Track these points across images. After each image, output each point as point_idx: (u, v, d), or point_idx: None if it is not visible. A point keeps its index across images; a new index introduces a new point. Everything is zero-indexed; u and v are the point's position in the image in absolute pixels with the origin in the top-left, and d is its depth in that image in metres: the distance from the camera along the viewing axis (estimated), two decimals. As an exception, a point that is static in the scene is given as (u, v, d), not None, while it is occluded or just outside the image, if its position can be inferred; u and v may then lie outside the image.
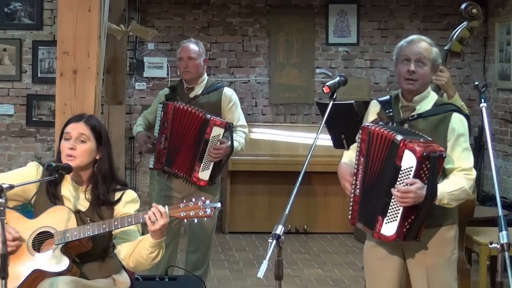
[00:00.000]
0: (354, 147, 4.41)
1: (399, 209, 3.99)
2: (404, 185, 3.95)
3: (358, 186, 4.15)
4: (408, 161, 3.96)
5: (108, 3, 5.23)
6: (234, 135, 6.10)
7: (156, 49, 10.18)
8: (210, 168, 6.00)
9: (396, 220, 4.00)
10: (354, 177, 4.18)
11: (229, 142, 6.00)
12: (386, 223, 4.02)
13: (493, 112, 9.90)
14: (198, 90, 6.21)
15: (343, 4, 10.40)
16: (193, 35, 10.16)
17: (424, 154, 3.93)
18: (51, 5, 9.89)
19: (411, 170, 3.96)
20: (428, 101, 4.29)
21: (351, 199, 4.19)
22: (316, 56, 10.46)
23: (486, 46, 10.41)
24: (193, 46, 6.20)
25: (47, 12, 9.96)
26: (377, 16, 10.46)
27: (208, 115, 5.97)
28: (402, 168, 3.98)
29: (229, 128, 6.02)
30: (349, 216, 4.20)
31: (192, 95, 6.19)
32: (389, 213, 4.01)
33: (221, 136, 5.98)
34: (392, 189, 3.97)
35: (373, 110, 4.35)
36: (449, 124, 4.20)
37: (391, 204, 4.01)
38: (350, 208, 4.20)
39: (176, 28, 10.30)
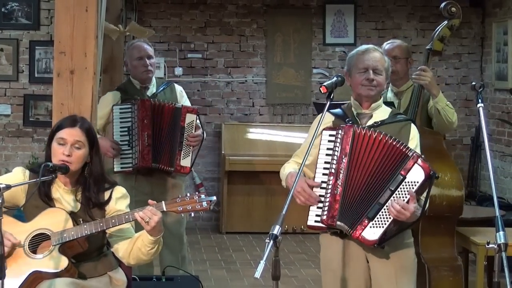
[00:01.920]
0: (298, 155, 4.40)
1: (389, 219, 4.01)
2: (403, 199, 3.96)
3: (338, 186, 4.11)
4: (415, 175, 3.99)
5: (105, 3, 5.23)
6: None
7: (154, 49, 10.16)
8: (191, 154, 6.12)
9: (382, 227, 4.02)
10: (332, 177, 4.12)
11: (201, 129, 6.19)
12: (371, 227, 4.03)
13: (490, 113, 9.91)
14: (153, 88, 6.28)
15: (340, 4, 10.41)
16: (190, 35, 10.21)
17: (431, 173, 3.99)
18: (48, 5, 9.89)
19: (415, 185, 3.99)
20: (382, 110, 4.35)
21: (328, 198, 4.11)
22: (313, 56, 10.47)
23: (484, 47, 10.41)
24: (148, 46, 6.32)
25: (44, 12, 9.96)
26: (374, 16, 10.47)
27: (178, 104, 6.14)
28: (406, 180, 4.00)
29: (198, 115, 6.17)
30: (324, 216, 4.10)
31: (149, 93, 6.25)
32: (377, 218, 4.02)
33: (194, 123, 6.11)
34: (392, 200, 3.98)
35: (326, 121, 4.30)
36: (410, 133, 4.27)
37: (382, 211, 4.02)
38: (326, 207, 4.11)
39: (173, 28, 10.30)
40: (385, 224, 4.02)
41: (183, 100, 6.37)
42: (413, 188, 3.99)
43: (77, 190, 4.21)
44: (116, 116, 6.12)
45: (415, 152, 4.05)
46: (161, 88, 6.31)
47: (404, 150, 4.03)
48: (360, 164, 4.11)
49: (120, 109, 6.12)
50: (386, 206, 4.01)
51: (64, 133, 4.15)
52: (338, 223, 4.09)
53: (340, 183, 4.11)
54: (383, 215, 4.02)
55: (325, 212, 4.11)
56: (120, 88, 6.38)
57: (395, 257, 4.21)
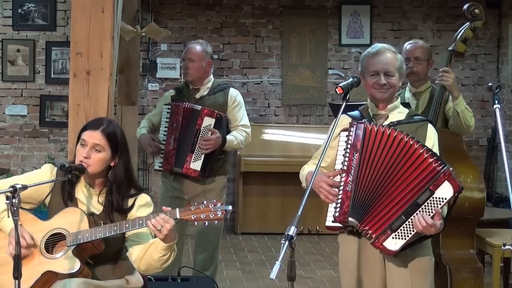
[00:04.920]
0: (316, 157, 4.36)
1: (412, 231, 3.97)
2: (428, 214, 3.91)
3: (350, 182, 4.09)
4: (444, 192, 3.93)
5: (121, 4, 5.24)
6: (235, 132, 6.17)
7: (169, 50, 10.20)
8: (201, 159, 6.04)
9: (404, 239, 3.98)
10: (344, 174, 4.10)
11: (219, 134, 6.05)
12: (393, 238, 4.00)
13: (506, 114, 9.88)
14: (204, 91, 6.23)
15: (356, 5, 10.40)
16: (206, 36, 10.20)
17: (461, 189, 3.96)
18: (64, 6, 9.93)
19: (442, 201, 3.94)
20: (400, 111, 4.30)
21: (340, 195, 4.09)
22: (329, 57, 10.46)
23: (500, 47, 10.38)
24: (197, 48, 6.22)
25: (61, 13, 9.99)
26: (390, 17, 10.46)
27: (197, 106, 6.06)
28: (434, 196, 3.94)
29: (220, 119, 6.07)
30: (337, 213, 4.07)
31: (198, 95, 6.21)
32: (400, 230, 3.98)
33: (211, 127, 6.03)
34: (418, 215, 3.93)
35: (343, 123, 4.29)
36: (426, 132, 4.22)
37: (406, 223, 3.97)
38: (339, 204, 4.08)
39: (189, 29, 10.32)
40: (408, 236, 3.98)
41: (234, 106, 6.23)
42: (440, 204, 3.94)
43: (100, 193, 4.21)
44: (164, 115, 6.19)
45: (446, 167, 3.96)
46: (213, 92, 6.23)
47: (435, 165, 3.95)
48: (373, 160, 4.06)
49: (168, 109, 6.18)
50: (411, 220, 3.96)
51: (86, 135, 4.15)
52: (350, 219, 4.06)
53: (351, 180, 4.08)
54: (406, 227, 3.97)
55: (338, 209, 4.09)
56: (177, 88, 6.43)
57: (411, 258, 4.19)
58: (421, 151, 3.99)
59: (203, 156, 6.04)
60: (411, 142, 4.01)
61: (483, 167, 10.19)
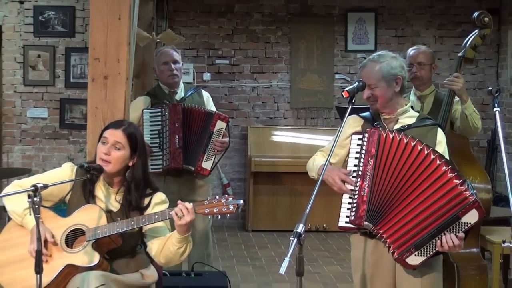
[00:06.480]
0: (327, 149, 4.35)
1: (434, 250, 3.94)
2: (455, 235, 3.88)
3: (365, 187, 4.06)
4: (470, 217, 3.88)
5: (137, 11, 5.24)
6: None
7: (183, 55, 10.19)
8: (213, 158, 6.11)
9: (425, 256, 3.95)
10: (359, 179, 4.07)
11: (228, 137, 6.20)
12: (416, 255, 3.95)
13: (506, 116, 9.85)
14: (181, 93, 6.28)
15: (361, 13, 10.39)
16: (218, 42, 10.22)
17: (484, 216, 3.93)
18: (83, 13, 9.95)
19: (467, 225, 3.89)
20: (410, 115, 4.24)
21: (356, 199, 4.06)
22: (336, 62, 10.46)
23: (499, 53, 10.36)
24: (174, 51, 6.30)
25: (79, 20, 10.01)
26: (394, 24, 10.44)
27: (211, 110, 6.16)
28: (461, 221, 3.88)
29: (228, 123, 6.18)
30: (352, 217, 4.05)
31: (177, 97, 6.25)
32: (423, 249, 3.94)
33: (223, 130, 6.12)
34: (447, 237, 3.88)
35: (355, 124, 4.28)
36: (436, 137, 4.16)
37: (430, 243, 3.93)
38: (354, 208, 4.06)
39: (201, 35, 10.33)
40: (430, 253, 3.94)
41: (209, 105, 6.38)
42: (464, 228, 3.89)
43: (118, 191, 4.23)
44: (146, 120, 6.13)
45: (474, 195, 3.88)
46: (189, 93, 6.31)
47: (464, 192, 3.87)
48: (389, 167, 4.02)
49: (150, 113, 6.13)
50: (435, 240, 3.91)
51: (107, 133, 4.19)
52: (366, 223, 4.03)
53: (367, 185, 4.05)
54: (430, 246, 3.93)
55: (353, 213, 4.06)
56: (150, 93, 6.40)
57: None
58: (445, 168, 3.91)
59: (214, 157, 6.10)
60: (432, 157, 3.94)
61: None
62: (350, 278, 7.46)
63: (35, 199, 3.62)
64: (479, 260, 5.40)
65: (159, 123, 6.10)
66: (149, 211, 4.18)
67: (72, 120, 10.07)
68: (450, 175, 3.89)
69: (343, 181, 4.12)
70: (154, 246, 4.17)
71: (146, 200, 4.21)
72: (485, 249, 6.08)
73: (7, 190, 4.16)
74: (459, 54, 5.61)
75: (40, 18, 9.97)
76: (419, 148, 3.97)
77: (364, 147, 4.11)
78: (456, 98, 5.48)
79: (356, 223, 4.05)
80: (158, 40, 7.94)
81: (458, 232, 3.88)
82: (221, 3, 10.35)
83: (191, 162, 6.11)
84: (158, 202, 4.23)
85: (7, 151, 10.08)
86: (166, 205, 4.24)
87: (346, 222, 4.10)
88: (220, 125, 6.10)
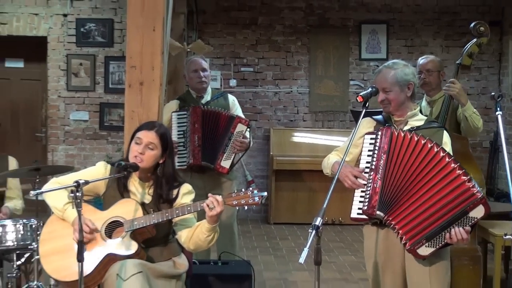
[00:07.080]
0: (341, 149, 4.33)
1: (443, 241, 3.92)
2: (462, 229, 3.86)
3: (378, 180, 4.03)
4: (477, 213, 3.86)
5: (170, 23, 5.26)
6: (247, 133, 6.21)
7: (211, 63, 10.22)
8: (231, 158, 6.09)
9: (435, 247, 3.93)
10: (372, 172, 4.04)
11: (248, 139, 6.15)
12: (426, 246, 3.94)
13: (507, 119, 9.78)
14: (207, 97, 6.28)
15: (374, 24, 10.37)
16: (243, 51, 10.23)
17: (490, 212, 3.90)
18: (120, 25, 9.99)
19: (473, 220, 3.87)
20: (419, 118, 4.22)
21: (368, 191, 4.03)
22: (350, 70, 10.43)
23: (501, 61, 10.29)
24: (203, 60, 6.31)
25: (117, 32, 10.05)
26: (404, 34, 10.40)
27: (233, 114, 6.14)
28: (469, 215, 3.86)
29: (249, 127, 6.15)
30: (365, 207, 4.02)
31: (203, 101, 6.25)
32: (433, 240, 3.92)
33: (243, 132, 6.09)
34: (456, 231, 3.86)
35: (368, 125, 4.27)
36: (442, 138, 4.14)
37: (440, 235, 3.91)
38: (367, 199, 4.03)
39: (228, 45, 10.34)
40: (439, 244, 3.92)
41: (235, 108, 6.34)
42: (471, 222, 3.87)
43: (149, 185, 4.24)
44: (174, 121, 6.15)
45: (481, 192, 3.88)
46: (215, 97, 6.31)
47: (472, 189, 3.86)
48: (401, 161, 4.00)
49: (178, 115, 6.15)
50: (444, 233, 3.89)
51: (141, 134, 4.19)
52: (378, 212, 4.01)
53: (379, 177, 4.02)
54: (439, 238, 3.92)
55: (366, 203, 4.03)
56: (180, 98, 6.43)
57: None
58: (453, 165, 3.89)
59: (233, 156, 6.08)
60: (442, 154, 3.92)
61: (486, 166, 10.10)
62: (364, 267, 7.46)
63: (77, 194, 3.64)
64: (473, 251, 5.36)
65: (185, 124, 6.12)
66: (179, 200, 4.20)
67: (110, 122, 10.11)
68: (458, 172, 3.88)
69: (356, 177, 4.10)
70: (183, 234, 4.20)
71: (175, 192, 4.23)
72: (487, 242, 6.04)
73: (47, 186, 4.17)
74: (457, 62, 5.59)
75: (82, 29, 10.02)
76: (429, 145, 3.95)
77: (377, 144, 4.10)
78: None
79: (368, 212, 4.02)
80: (188, 49, 7.97)
81: (466, 226, 3.86)
82: (246, 16, 10.36)
83: (210, 159, 6.09)
84: (185, 192, 4.24)
85: (52, 151, 10.14)
86: (193, 195, 4.27)
87: (358, 214, 4.08)
88: (240, 127, 6.08)
